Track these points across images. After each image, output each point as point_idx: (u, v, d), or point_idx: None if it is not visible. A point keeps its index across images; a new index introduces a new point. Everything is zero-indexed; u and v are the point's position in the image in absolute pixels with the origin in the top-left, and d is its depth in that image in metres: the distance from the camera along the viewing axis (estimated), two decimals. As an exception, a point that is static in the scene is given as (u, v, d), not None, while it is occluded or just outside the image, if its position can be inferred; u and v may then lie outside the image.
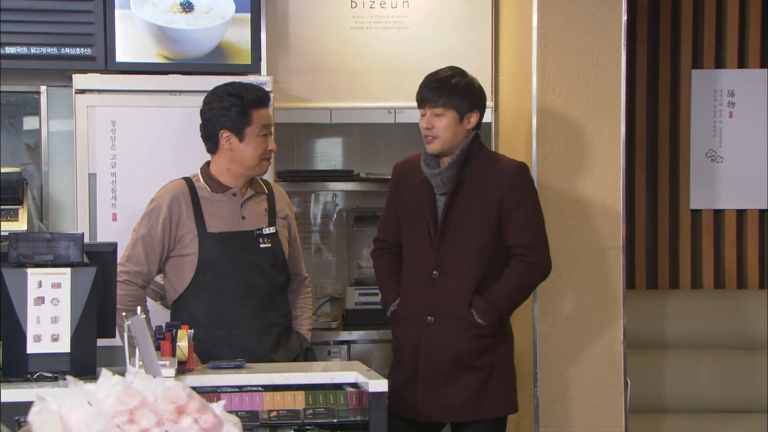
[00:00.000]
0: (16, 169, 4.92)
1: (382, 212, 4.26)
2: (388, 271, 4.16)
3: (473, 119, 4.01)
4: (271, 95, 4.57)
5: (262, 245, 3.96)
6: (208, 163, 4.02)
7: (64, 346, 3.24)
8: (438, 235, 3.99)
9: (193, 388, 2.07)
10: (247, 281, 3.94)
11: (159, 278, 4.09)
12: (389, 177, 4.26)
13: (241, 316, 3.93)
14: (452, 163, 3.99)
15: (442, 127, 3.97)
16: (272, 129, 4.00)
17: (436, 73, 4.04)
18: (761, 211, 5.65)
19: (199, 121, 4.06)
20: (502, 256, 4.02)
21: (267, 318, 3.98)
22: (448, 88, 3.97)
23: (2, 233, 4.30)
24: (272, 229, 4.00)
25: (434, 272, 4.00)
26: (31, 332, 3.23)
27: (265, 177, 4.54)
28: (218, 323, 3.91)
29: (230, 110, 3.90)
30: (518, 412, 4.72)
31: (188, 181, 3.98)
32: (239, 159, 3.93)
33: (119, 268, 3.78)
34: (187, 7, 4.63)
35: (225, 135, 3.91)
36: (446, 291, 3.99)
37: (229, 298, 3.92)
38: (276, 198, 4.08)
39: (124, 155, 4.52)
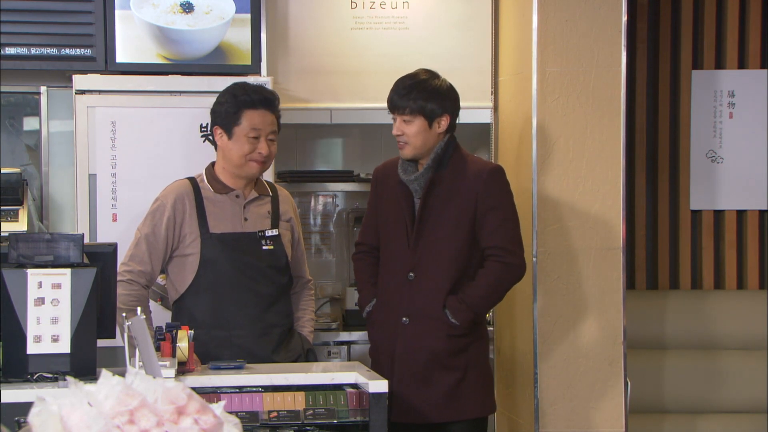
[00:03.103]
0: (16, 170, 4.92)
1: (364, 215, 4.28)
2: (367, 273, 4.18)
3: (443, 123, 4.00)
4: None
5: (264, 247, 3.97)
6: (213, 164, 4.04)
7: (64, 346, 3.24)
8: (414, 237, 4.00)
9: (193, 389, 2.08)
10: (248, 283, 3.94)
11: (160, 279, 4.09)
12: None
13: (241, 317, 3.93)
14: (427, 168, 4.00)
15: (412, 134, 3.98)
16: (271, 134, 3.96)
17: (404, 78, 4.04)
18: (761, 212, 5.65)
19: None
20: (477, 258, 4.03)
21: (268, 319, 3.98)
22: (414, 95, 3.97)
23: (2, 234, 4.30)
24: (275, 231, 4.00)
25: (410, 274, 4.01)
26: (31, 333, 3.23)
27: (265, 176, 4.55)
28: (218, 324, 3.91)
29: (223, 107, 3.95)
30: (518, 413, 4.72)
31: (192, 181, 4.00)
32: (227, 157, 3.95)
33: (122, 268, 3.79)
34: (187, 8, 4.63)
35: (218, 132, 3.96)
36: (421, 292, 4.00)
37: (230, 300, 3.92)
38: (280, 200, 4.08)
39: (124, 156, 4.52)
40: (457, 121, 4.09)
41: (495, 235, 4.00)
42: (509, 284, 4.09)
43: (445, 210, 4.00)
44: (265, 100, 3.97)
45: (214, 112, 3.98)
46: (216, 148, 4.02)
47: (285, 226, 4.06)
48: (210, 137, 4.36)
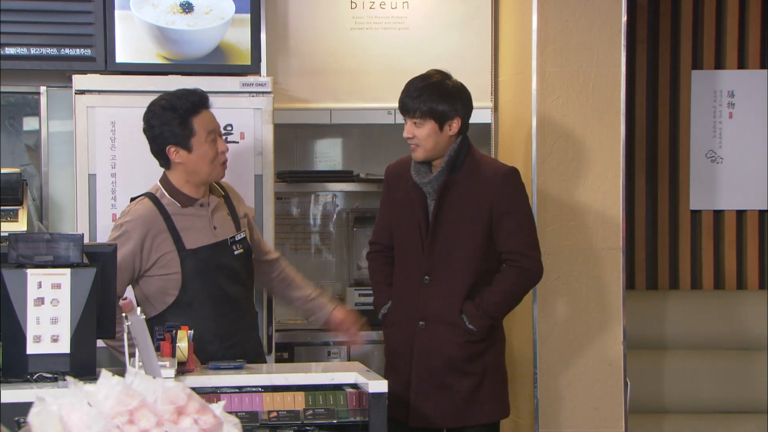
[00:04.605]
0: (16, 170, 4.92)
1: (377, 214, 4.26)
2: (381, 273, 4.15)
3: (455, 126, 3.95)
4: (271, 95, 4.57)
5: (235, 252, 3.90)
6: (166, 175, 3.90)
7: (63, 346, 3.24)
8: (429, 240, 3.98)
9: (193, 389, 2.08)
10: (229, 292, 3.87)
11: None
12: (388, 178, 4.25)
13: (226, 326, 3.86)
14: (441, 171, 3.97)
15: (423, 137, 3.94)
16: (221, 130, 3.89)
17: (416, 80, 3.99)
18: (761, 212, 5.65)
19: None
20: (493, 261, 4.00)
21: (247, 323, 3.96)
22: (424, 98, 3.92)
23: (2, 234, 4.30)
24: (242, 234, 3.94)
25: (425, 277, 3.99)
26: (30, 333, 3.23)
27: (265, 177, 4.52)
28: (208, 338, 3.82)
29: (170, 125, 3.79)
30: (518, 413, 4.72)
31: (153, 198, 3.86)
32: (193, 170, 3.83)
33: None
34: (187, 8, 4.63)
35: (173, 150, 3.81)
36: (437, 296, 3.97)
37: (216, 312, 3.84)
38: (232, 198, 4.01)
39: (124, 156, 4.52)
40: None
41: (510, 240, 3.96)
42: (526, 289, 4.07)
43: (459, 213, 3.97)
44: (202, 99, 3.85)
45: (160, 135, 3.81)
46: (169, 167, 3.86)
47: (243, 223, 4.01)
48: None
